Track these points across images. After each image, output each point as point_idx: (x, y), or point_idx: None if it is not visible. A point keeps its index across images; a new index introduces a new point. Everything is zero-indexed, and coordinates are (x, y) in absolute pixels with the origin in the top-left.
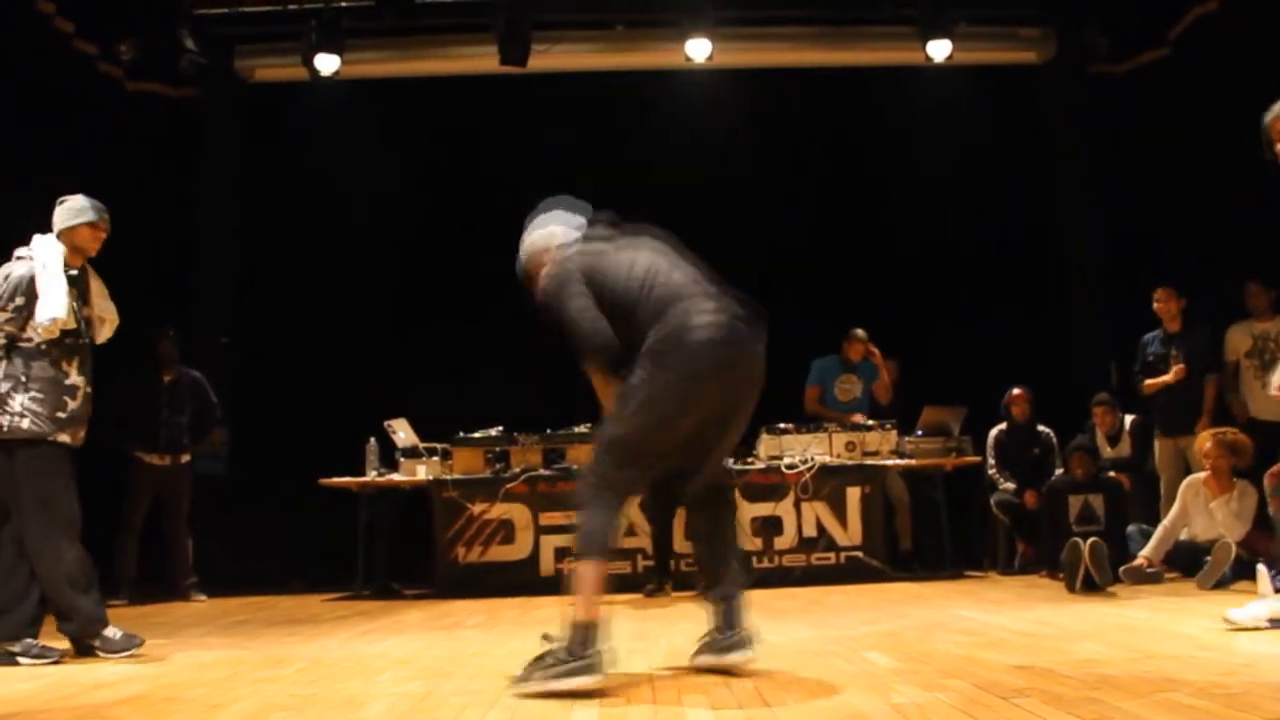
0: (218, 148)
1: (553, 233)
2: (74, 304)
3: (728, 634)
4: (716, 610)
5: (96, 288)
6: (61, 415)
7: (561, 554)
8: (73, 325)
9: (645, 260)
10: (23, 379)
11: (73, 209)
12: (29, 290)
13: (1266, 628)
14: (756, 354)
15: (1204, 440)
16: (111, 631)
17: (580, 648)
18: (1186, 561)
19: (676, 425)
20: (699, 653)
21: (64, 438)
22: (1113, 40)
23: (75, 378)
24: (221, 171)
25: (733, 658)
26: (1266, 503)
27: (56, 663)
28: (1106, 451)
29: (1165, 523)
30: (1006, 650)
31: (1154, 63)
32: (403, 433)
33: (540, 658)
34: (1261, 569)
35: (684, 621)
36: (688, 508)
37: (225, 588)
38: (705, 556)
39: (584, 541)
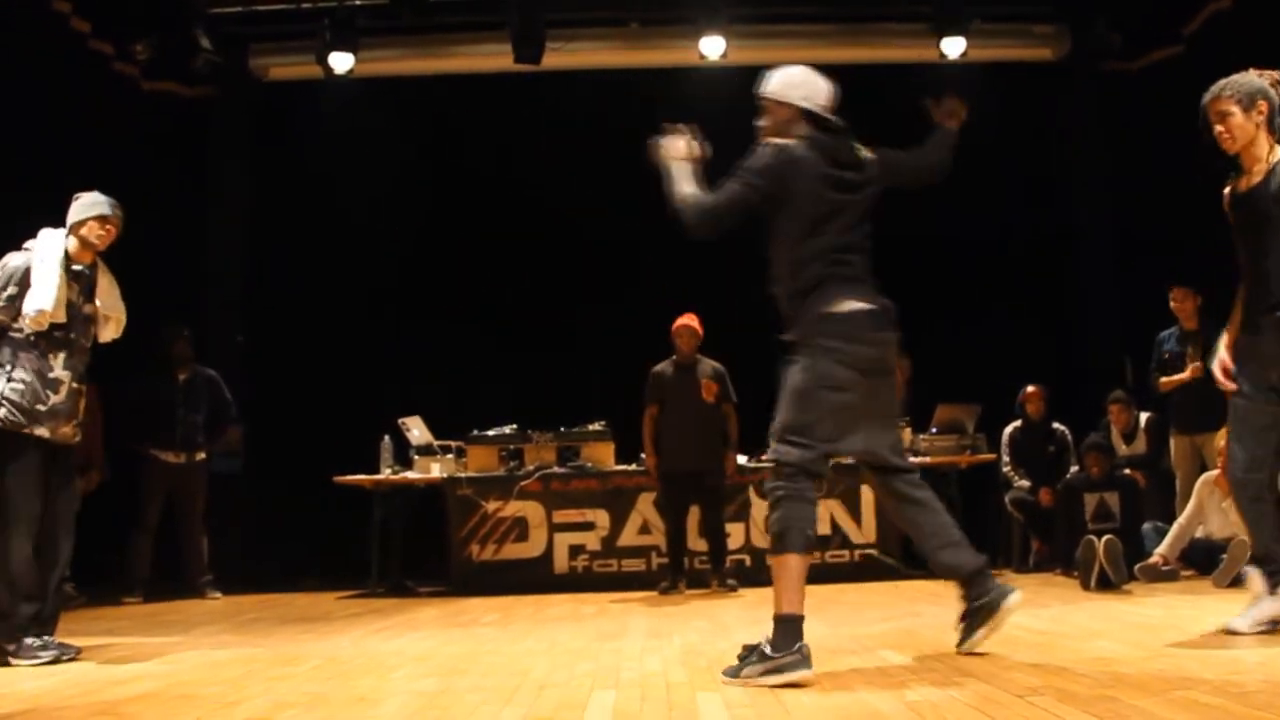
0: (231, 147)
1: (808, 94)
2: (74, 298)
3: (983, 595)
4: (965, 586)
5: (106, 284)
6: (41, 408)
7: (575, 552)
8: (62, 319)
9: (838, 221)
10: (7, 368)
11: (85, 203)
12: (23, 281)
13: (1268, 630)
14: (891, 341)
15: (1222, 438)
16: (31, 640)
17: (785, 642)
18: (1202, 559)
19: (841, 405)
20: (967, 633)
21: (42, 431)
22: (1126, 38)
23: (60, 371)
24: (235, 170)
25: (1009, 603)
26: None
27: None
28: (1122, 449)
29: (1181, 520)
30: (1021, 648)
31: (1168, 60)
32: (417, 430)
33: (751, 650)
34: (1252, 571)
35: (698, 619)
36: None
37: (239, 585)
38: (918, 544)
39: (784, 535)
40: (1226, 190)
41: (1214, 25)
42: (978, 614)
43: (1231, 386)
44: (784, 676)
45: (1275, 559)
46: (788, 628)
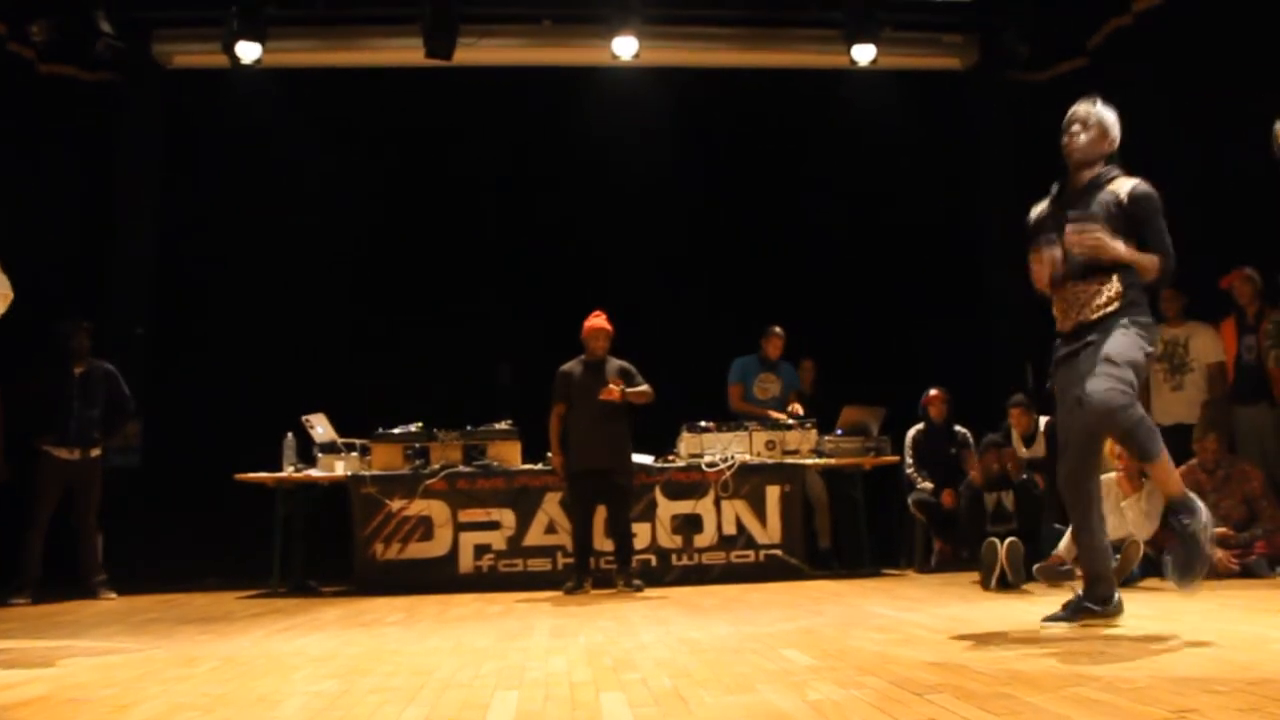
0: (135, 135)
1: (1118, 134)
2: None
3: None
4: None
5: None
6: None
7: (481, 551)
8: None
9: None
10: None
11: None
12: None
13: None
14: None
15: (1115, 442)
16: None
17: (1197, 517)
18: None
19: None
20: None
21: None
22: (1034, 49)
23: None
24: (138, 159)
25: None
26: None
27: None
28: (1022, 452)
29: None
30: (922, 647)
31: (1073, 72)
32: (321, 428)
33: (1184, 547)
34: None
35: (603, 619)
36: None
37: (136, 585)
38: None
39: (1153, 445)
40: None
41: (1116, 40)
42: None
43: None
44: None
45: None
46: (1189, 504)
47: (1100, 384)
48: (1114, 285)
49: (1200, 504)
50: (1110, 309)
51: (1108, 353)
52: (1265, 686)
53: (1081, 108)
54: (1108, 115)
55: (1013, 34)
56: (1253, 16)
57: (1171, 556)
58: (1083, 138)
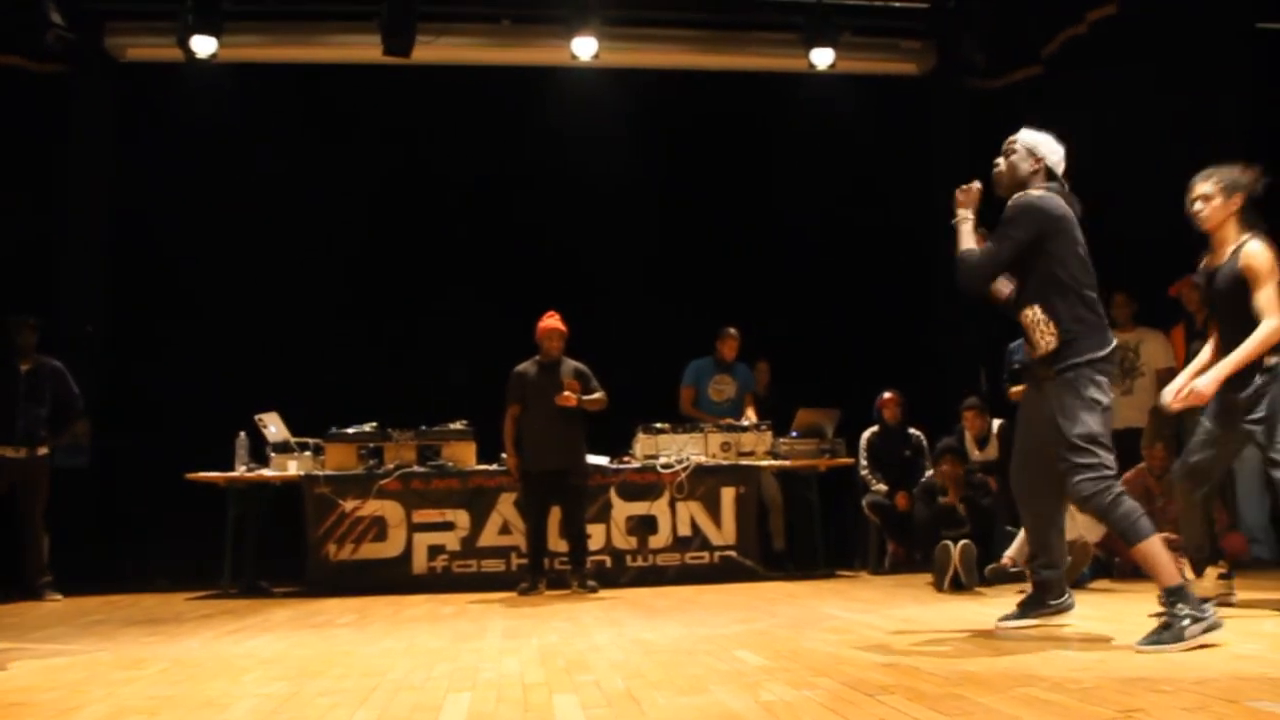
0: (86, 128)
1: (1052, 151)
2: None
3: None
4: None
5: None
6: None
7: (435, 552)
8: None
9: (1085, 262)
10: None
11: None
12: None
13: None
14: None
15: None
16: None
17: (1197, 608)
18: None
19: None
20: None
21: None
22: (990, 57)
23: None
24: (89, 153)
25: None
26: None
27: None
28: (975, 454)
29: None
30: (874, 648)
31: (1028, 80)
32: (274, 427)
33: (1167, 625)
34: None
35: (557, 620)
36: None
37: (83, 586)
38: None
39: (1134, 528)
40: (1201, 265)
41: (1070, 49)
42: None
43: (1180, 405)
44: (1216, 631)
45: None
46: (1188, 594)
47: (1069, 475)
48: (1042, 322)
49: (1194, 596)
50: (1049, 349)
51: (1065, 433)
52: (1210, 686)
53: (1007, 143)
54: (1027, 138)
55: (969, 41)
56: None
57: (1149, 632)
58: (1002, 164)
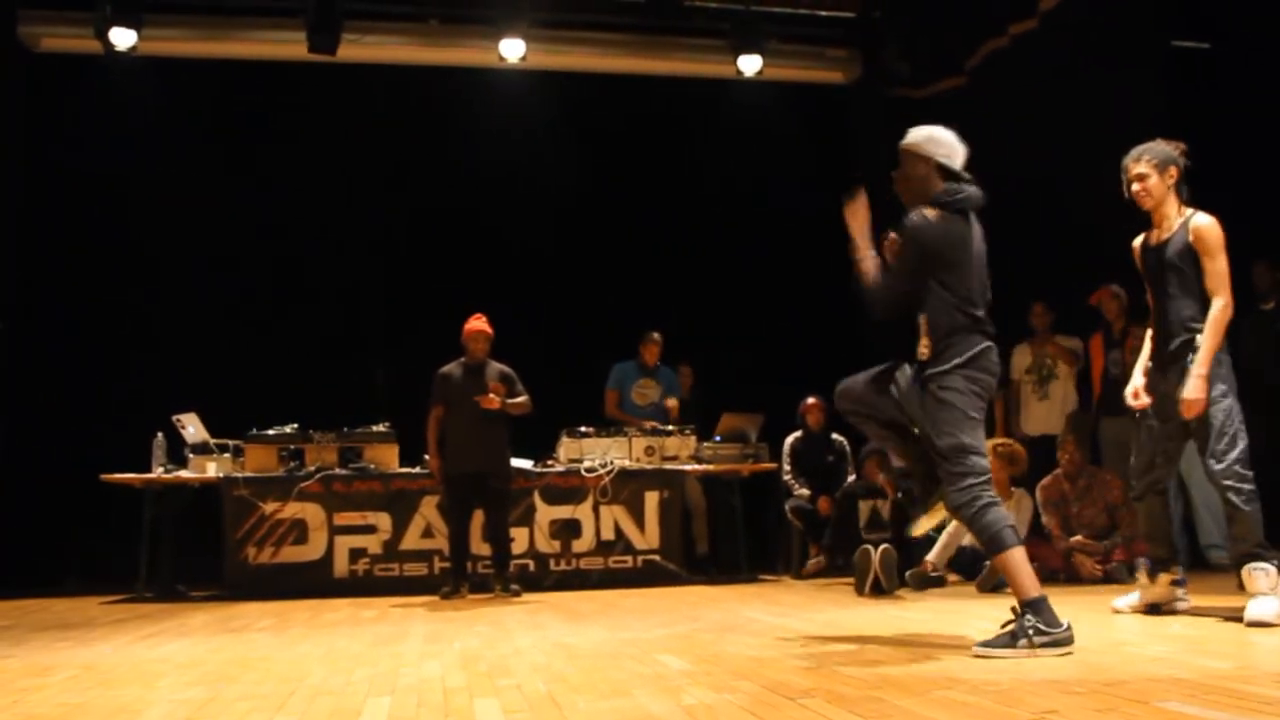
0: None
1: (940, 146)
2: None
3: None
4: None
5: None
6: None
7: (356, 555)
8: None
9: (980, 272)
10: None
11: None
12: None
13: (1145, 612)
14: None
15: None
16: None
17: (1050, 622)
18: (967, 566)
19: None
20: None
21: None
22: (914, 66)
23: None
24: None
25: None
26: (1040, 511)
27: None
28: (897, 460)
29: (950, 529)
30: (795, 652)
31: (952, 90)
32: (192, 428)
33: (1011, 633)
34: (1141, 560)
35: (479, 624)
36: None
37: None
38: None
39: (996, 539)
40: (1137, 242)
41: (993, 61)
42: None
43: (1142, 405)
44: (1062, 649)
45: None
46: (1042, 607)
47: (944, 484)
48: (922, 329)
49: (1050, 611)
50: (923, 357)
51: (936, 445)
52: (1120, 688)
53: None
54: (912, 140)
55: (894, 51)
56: (1119, 42)
57: (994, 636)
58: (895, 175)
